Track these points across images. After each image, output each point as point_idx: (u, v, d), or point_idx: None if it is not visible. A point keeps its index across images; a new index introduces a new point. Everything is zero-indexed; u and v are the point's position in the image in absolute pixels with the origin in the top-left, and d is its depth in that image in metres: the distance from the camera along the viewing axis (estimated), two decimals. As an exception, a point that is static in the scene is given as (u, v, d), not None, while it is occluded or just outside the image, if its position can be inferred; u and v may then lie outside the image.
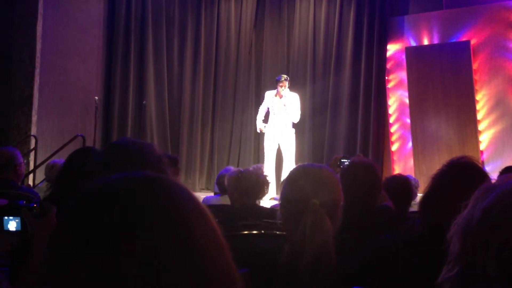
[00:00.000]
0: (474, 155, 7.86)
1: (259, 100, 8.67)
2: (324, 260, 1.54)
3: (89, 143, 7.98)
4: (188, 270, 0.69)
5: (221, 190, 4.51)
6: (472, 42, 8.24)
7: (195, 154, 9.72)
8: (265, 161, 8.04)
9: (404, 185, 3.62)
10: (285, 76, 8.03)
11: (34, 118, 7.72)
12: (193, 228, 0.72)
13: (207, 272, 0.70)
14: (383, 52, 9.01)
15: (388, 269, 1.79)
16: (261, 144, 8.74)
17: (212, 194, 6.69)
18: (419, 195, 4.25)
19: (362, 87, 9.08)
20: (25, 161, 7.02)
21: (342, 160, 4.11)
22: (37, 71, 7.72)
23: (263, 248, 1.82)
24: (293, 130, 8.06)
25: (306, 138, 9.34)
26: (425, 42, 8.73)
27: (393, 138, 9.13)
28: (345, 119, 9.21)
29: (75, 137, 7.77)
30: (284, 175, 7.60)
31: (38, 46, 7.73)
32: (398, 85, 9.07)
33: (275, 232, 2.81)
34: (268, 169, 7.93)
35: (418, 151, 8.51)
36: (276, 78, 8.08)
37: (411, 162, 8.70)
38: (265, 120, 8.17)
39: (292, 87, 8.07)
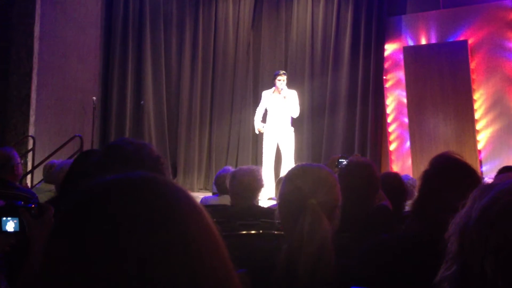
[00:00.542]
0: (471, 155, 7.94)
1: (257, 100, 8.67)
2: (322, 260, 1.54)
3: (86, 144, 7.98)
4: (184, 269, 0.69)
5: (220, 190, 4.51)
6: (470, 41, 8.25)
7: (193, 154, 9.72)
8: (264, 161, 8.04)
9: (397, 181, 3.62)
10: (283, 71, 8.06)
11: (32, 119, 7.71)
12: (189, 228, 0.72)
13: (204, 271, 0.71)
14: (380, 51, 9.02)
15: (387, 268, 1.79)
16: (260, 144, 8.74)
17: (210, 194, 6.69)
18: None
19: (360, 87, 9.10)
20: (22, 161, 7.01)
21: (340, 160, 4.11)
22: (34, 71, 7.71)
23: (261, 248, 1.82)
24: (292, 129, 8.06)
25: (304, 138, 9.35)
26: (423, 41, 8.74)
27: (391, 137, 9.14)
28: (343, 119, 9.22)
29: (73, 137, 7.77)
30: (283, 174, 7.60)
31: (36, 46, 7.72)
32: (396, 85, 9.08)
33: (273, 232, 2.81)
34: (267, 169, 7.93)
35: (416, 151, 8.52)
36: (274, 73, 8.09)
37: (409, 161, 8.71)
38: (263, 120, 8.16)
39: (289, 87, 8.07)
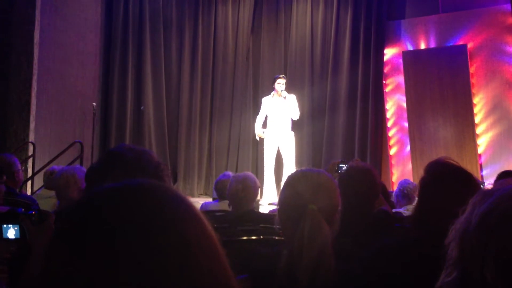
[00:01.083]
0: (472, 159, 7.94)
1: (257, 104, 8.67)
2: (322, 265, 1.54)
3: (87, 150, 7.98)
4: (183, 276, 0.69)
5: (220, 195, 4.50)
6: (469, 45, 8.27)
7: (193, 160, 9.71)
8: (265, 165, 8.03)
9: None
10: (282, 74, 8.08)
11: (32, 125, 7.72)
12: (188, 235, 0.72)
13: (203, 278, 0.71)
14: (380, 56, 9.03)
15: (387, 274, 1.79)
16: (260, 149, 8.74)
17: (210, 199, 6.69)
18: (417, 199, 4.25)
19: (360, 91, 9.10)
20: (23, 168, 7.01)
21: (339, 165, 4.11)
22: (34, 77, 7.71)
23: (262, 254, 1.82)
24: (293, 133, 8.06)
25: (304, 142, 9.34)
26: (422, 46, 8.76)
27: (391, 142, 9.14)
28: (343, 124, 9.22)
29: (73, 143, 7.77)
30: (284, 179, 7.60)
31: (36, 52, 7.73)
32: (395, 89, 9.09)
33: (273, 237, 2.81)
34: (268, 173, 7.93)
35: (416, 155, 8.52)
36: (274, 76, 8.11)
37: (409, 166, 8.71)
38: (264, 126, 8.15)
39: (289, 91, 8.07)
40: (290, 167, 7.77)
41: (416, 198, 4.87)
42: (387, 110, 9.15)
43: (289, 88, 8.17)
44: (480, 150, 8.16)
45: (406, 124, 8.80)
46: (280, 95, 7.86)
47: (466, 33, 8.36)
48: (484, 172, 8.04)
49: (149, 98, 9.66)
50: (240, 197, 3.60)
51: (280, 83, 7.84)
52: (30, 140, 7.63)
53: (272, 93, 8.03)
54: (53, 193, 4.46)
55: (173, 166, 9.66)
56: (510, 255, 0.85)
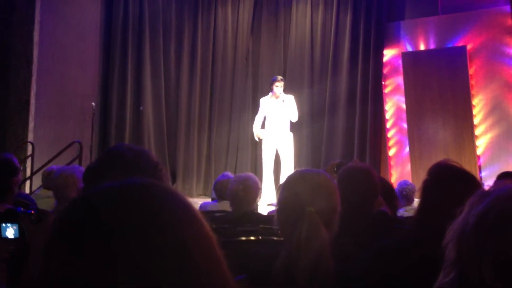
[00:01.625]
0: (471, 160, 7.94)
1: (256, 105, 8.67)
2: (320, 267, 1.54)
3: (86, 150, 7.98)
4: (181, 276, 0.69)
5: (219, 196, 4.51)
6: (468, 47, 8.27)
7: (192, 160, 9.71)
8: (263, 166, 8.03)
9: (388, 187, 3.61)
10: (280, 77, 8.06)
11: (31, 125, 7.72)
12: (186, 235, 0.72)
13: (200, 279, 0.71)
14: (379, 57, 9.03)
15: (387, 275, 1.79)
16: (259, 150, 8.73)
17: (209, 200, 6.69)
18: (416, 200, 4.26)
19: (359, 92, 9.11)
20: (21, 167, 7.00)
21: (338, 166, 4.11)
22: (34, 77, 7.71)
23: (261, 254, 1.81)
24: (291, 134, 8.05)
25: (303, 143, 9.35)
26: (422, 47, 8.76)
27: (390, 143, 9.14)
28: (342, 125, 9.22)
29: (72, 143, 7.77)
30: (283, 180, 7.59)
31: (35, 52, 7.73)
32: (394, 90, 9.10)
33: (272, 238, 2.81)
34: (267, 174, 7.93)
35: (415, 156, 8.52)
36: (272, 78, 8.09)
37: (408, 167, 8.71)
38: (262, 127, 8.14)
39: (288, 92, 8.07)
40: (288, 168, 7.76)
41: (415, 199, 4.88)
42: (387, 111, 9.16)
43: (288, 89, 8.17)
44: (479, 151, 8.16)
45: (405, 125, 8.81)
46: (278, 97, 7.85)
47: (466, 34, 8.36)
48: (483, 174, 8.05)
49: (149, 98, 9.66)
50: (241, 197, 3.59)
51: (278, 86, 7.83)
52: (29, 140, 7.63)
53: (270, 94, 8.02)
54: (51, 193, 4.45)
55: (172, 166, 9.67)
56: (507, 255, 0.85)
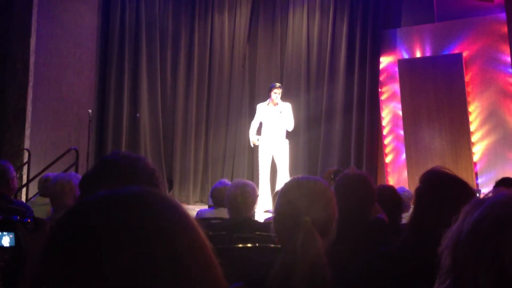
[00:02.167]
0: (467, 167, 7.95)
1: (253, 112, 8.68)
2: (317, 276, 1.53)
3: (82, 156, 7.96)
4: (174, 285, 0.69)
5: (215, 203, 4.49)
6: (464, 54, 8.31)
7: (189, 167, 9.70)
8: (260, 173, 8.03)
9: (394, 195, 3.62)
10: (279, 84, 8.07)
11: (28, 132, 7.70)
12: (180, 243, 0.72)
13: (194, 287, 0.71)
14: (376, 64, 9.05)
15: (384, 282, 1.79)
16: (255, 156, 8.73)
17: (206, 207, 6.67)
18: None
19: (356, 99, 9.12)
20: (18, 175, 6.99)
21: (335, 173, 4.11)
22: (30, 84, 7.71)
23: (258, 262, 1.81)
24: (287, 141, 8.05)
25: (300, 150, 9.35)
26: (418, 54, 8.79)
27: (387, 150, 9.15)
28: (339, 132, 9.23)
29: (69, 150, 7.75)
30: (279, 186, 7.59)
31: (32, 59, 7.73)
32: (391, 97, 9.12)
33: (269, 245, 2.81)
34: (263, 181, 7.92)
35: (412, 163, 8.53)
36: (270, 85, 8.08)
37: (405, 173, 8.72)
38: (258, 133, 8.15)
39: (285, 99, 8.09)
40: (284, 175, 7.77)
41: (412, 207, 4.87)
42: (383, 118, 9.17)
43: (285, 96, 8.18)
44: (475, 158, 8.18)
45: (401, 132, 8.82)
46: (276, 104, 7.86)
47: (462, 41, 8.40)
48: (480, 180, 8.06)
49: (145, 105, 9.66)
50: (238, 203, 3.56)
51: (276, 93, 7.84)
52: (25, 147, 7.61)
53: (268, 100, 8.03)
54: (47, 200, 4.44)
55: (169, 173, 9.65)
56: (503, 262, 0.85)
